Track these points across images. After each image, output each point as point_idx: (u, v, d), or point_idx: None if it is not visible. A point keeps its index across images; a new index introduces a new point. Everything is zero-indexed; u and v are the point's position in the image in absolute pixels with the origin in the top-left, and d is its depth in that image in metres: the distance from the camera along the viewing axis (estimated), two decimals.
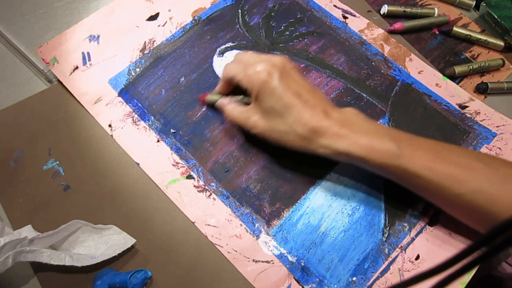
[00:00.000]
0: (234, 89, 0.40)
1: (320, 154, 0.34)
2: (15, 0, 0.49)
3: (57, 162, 0.40)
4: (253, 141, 0.39)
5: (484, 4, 0.50)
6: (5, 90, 0.44)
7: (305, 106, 0.34)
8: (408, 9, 0.50)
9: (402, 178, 0.34)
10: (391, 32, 0.49)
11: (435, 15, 0.50)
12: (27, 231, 0.33)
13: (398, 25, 0.48)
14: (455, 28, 0.48)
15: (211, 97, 0.41)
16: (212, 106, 0.42)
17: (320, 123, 0.33)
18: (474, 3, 0.52)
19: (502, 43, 0.48)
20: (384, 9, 0.50)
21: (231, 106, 0.38)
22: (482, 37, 0.48)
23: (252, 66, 0.36)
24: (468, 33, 0.48)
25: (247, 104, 0.38)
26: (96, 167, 0.40)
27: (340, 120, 0.34)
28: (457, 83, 0.46)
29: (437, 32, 0.50)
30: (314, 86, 0.38)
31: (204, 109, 0.43)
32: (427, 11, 0.50)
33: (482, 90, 0.45)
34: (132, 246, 0.36)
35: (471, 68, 0.46)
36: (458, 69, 0.46)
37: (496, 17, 0.49)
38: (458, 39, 0.49)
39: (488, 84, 0.45)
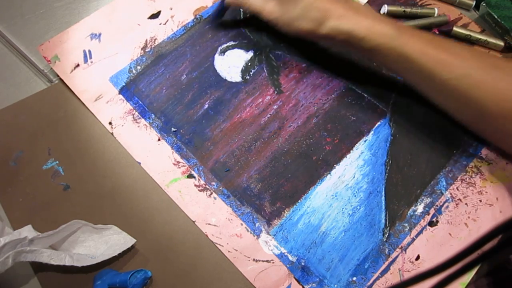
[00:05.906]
0: None
1: (325, 37, 0.38)
2: (15, 0, 0.49)
3: (57, 162, 0.40)
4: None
5: (484, 4, 0.50)
6: (5, 90, 0.44)
7: None
8: (408, 9, 0.50)
9: (397, 61, 0.37)
10: None
11: (435, 15, 0.50)
12: (27, 231, 0.33)
13: None
14: (455, 28, 0.48)
15: None
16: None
17: (328, 5, 0.37)
18: (474, 3, 0.52)
19: (502, 43, 0.48)
20: (384, 9, 0.50)
21: None
22: (482, 37, 0.48)
23: None
24: (468, 33, 0.48)
25: None
26: (96, 167, 0.40)
27: (347, 4, 0.38)
28: None
29: (437, 32, 0.50)
30: None
31: (205, 107, 0.43)
32: (427, 11, 0.50)
33: None
34: (132, 246, 0.36)
35: None
36: None
37: (496, 17, 0.49)
38: (458, 39, 0.49)
39: None
